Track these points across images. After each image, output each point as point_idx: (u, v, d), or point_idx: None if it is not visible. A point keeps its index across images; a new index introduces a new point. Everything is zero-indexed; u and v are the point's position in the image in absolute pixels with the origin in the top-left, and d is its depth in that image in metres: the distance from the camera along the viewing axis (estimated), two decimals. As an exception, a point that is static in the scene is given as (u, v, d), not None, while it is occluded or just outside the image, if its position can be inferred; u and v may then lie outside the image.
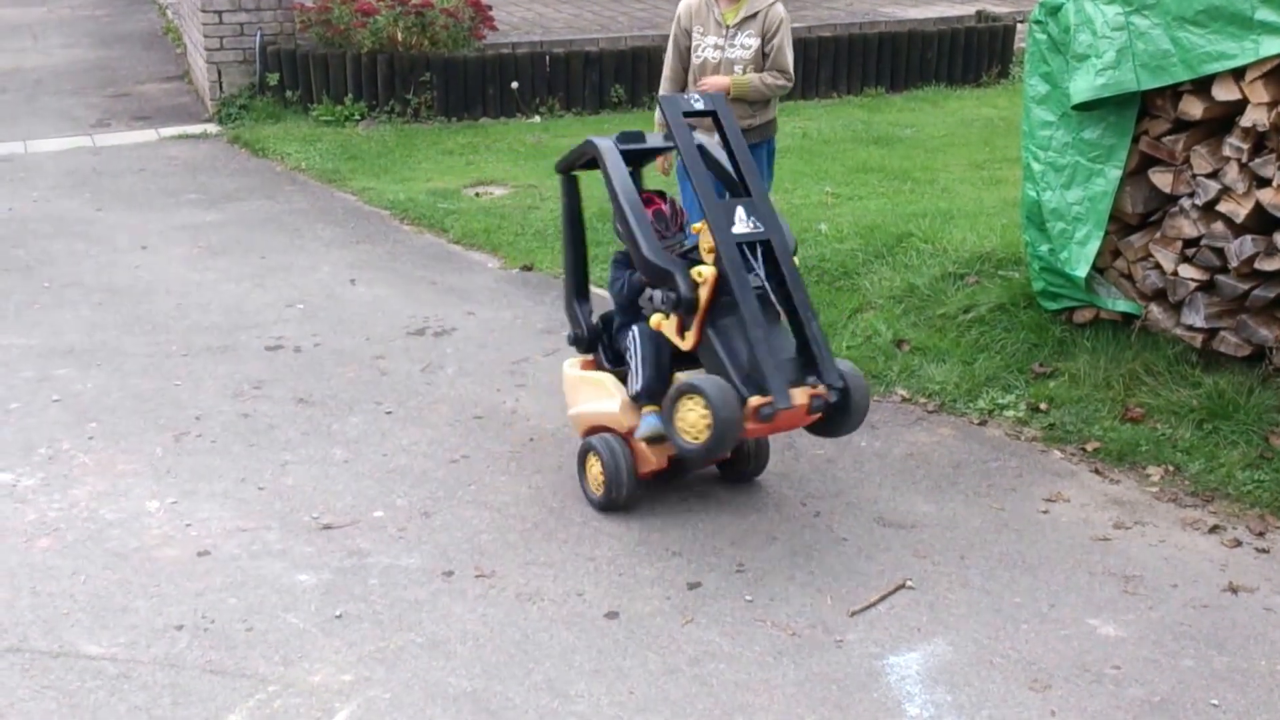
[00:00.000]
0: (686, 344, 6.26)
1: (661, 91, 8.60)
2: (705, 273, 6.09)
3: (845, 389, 6.11)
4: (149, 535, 6.35)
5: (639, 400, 6.51)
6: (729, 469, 6.93)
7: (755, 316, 5.99)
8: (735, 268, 6.04)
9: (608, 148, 6.47)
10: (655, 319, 6.35)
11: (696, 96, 6.66)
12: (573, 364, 7.06)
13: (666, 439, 6.24)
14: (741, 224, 6.15)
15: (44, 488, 6.78)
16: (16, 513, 6.54)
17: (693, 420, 5.91)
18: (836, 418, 6.21)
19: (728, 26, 8.32)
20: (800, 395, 5.99)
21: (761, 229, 6.18)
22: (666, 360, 6.48)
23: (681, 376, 6.45)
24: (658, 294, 6.28)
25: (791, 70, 8.48)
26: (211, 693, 5.21)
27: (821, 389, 6.04)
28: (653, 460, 6.56)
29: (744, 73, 8.32)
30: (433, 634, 5.61)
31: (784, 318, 6.24)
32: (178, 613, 5.72)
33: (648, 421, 6.46)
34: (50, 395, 7.82)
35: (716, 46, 8.32)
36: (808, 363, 6.15)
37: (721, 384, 5.91)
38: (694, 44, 8.41)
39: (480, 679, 5.32)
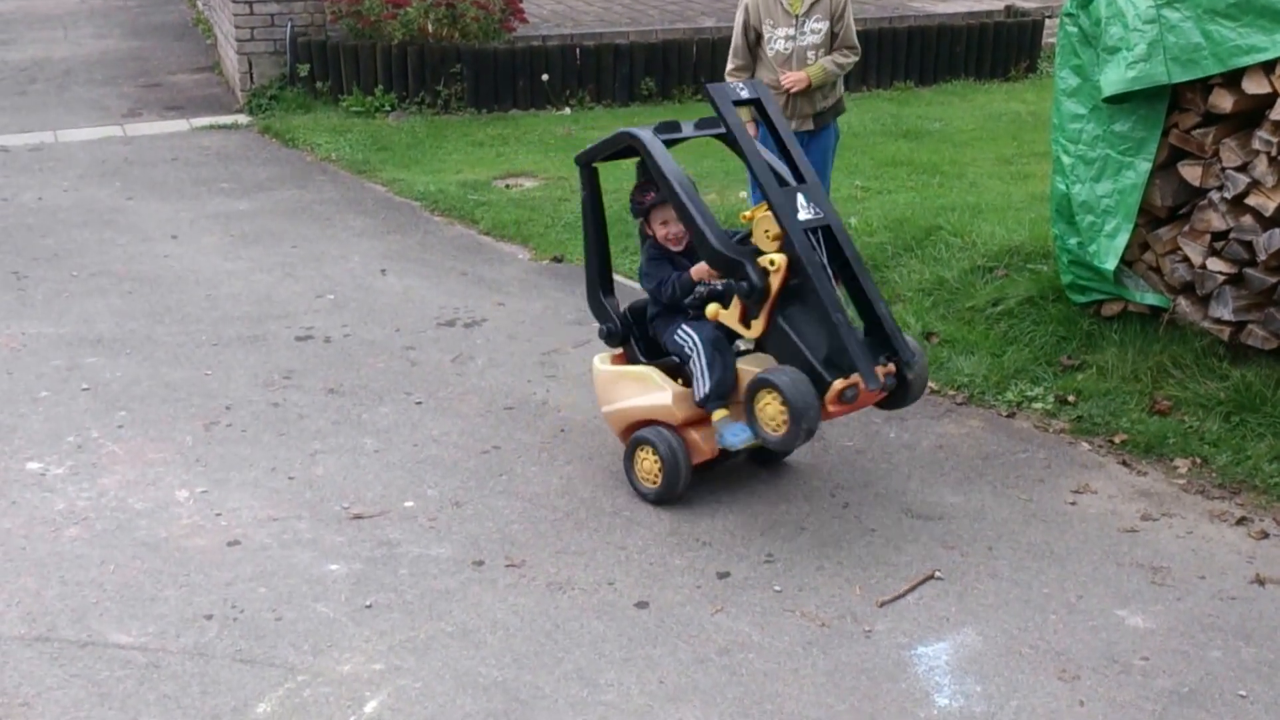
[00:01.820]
0: (754, 333, 6.27)
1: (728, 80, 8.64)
2: (778, 260, 6.08)
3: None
4: (178, 525, 6.38)
5: (708, 404, 6.45)
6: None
7: (834, 301, 6.02)
8: (808, 254, 6.05)
9: (650, 139, 6.39)
10: (712, 309, 6.33)
11: (742, 85, 6.64)
12: (604, 359, 6.96)
13: (740, 437, 6.32)
14: (804, 210, 6.17)
15: (73, 477, 6.82)
16: (45, 502, 6.57)
17: (771, 414, 5.96)
18: (900, 391, 6.28)
19: (796, 16, 8.49)
20: (879, 374, 6.07)
21: (822, 215, 6.21)
22: (730, 359, 6.45)
23: (746, 368, 6.43)
24: (719, 284, 6.30)
25: (858, 44, 8.69)
26: (241, 682, 5.23)
27: (891, 366, 6.15)
28: (705, 450, 6.59)
29: (816, 57, 8.50)
30: (463, 623, 5.63)
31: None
32: (207, 602, 5.75)
33: (735, 430, 6.39)
34: (80, 384, 7.86)
35: (788, 37, 8.48)
36: (878, 341, 6.21)
37: (795, 375, 5.94)
38: (765, 37, 8.49)
39: (510, 668, 5.34)
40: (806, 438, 6.05)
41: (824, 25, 8.48)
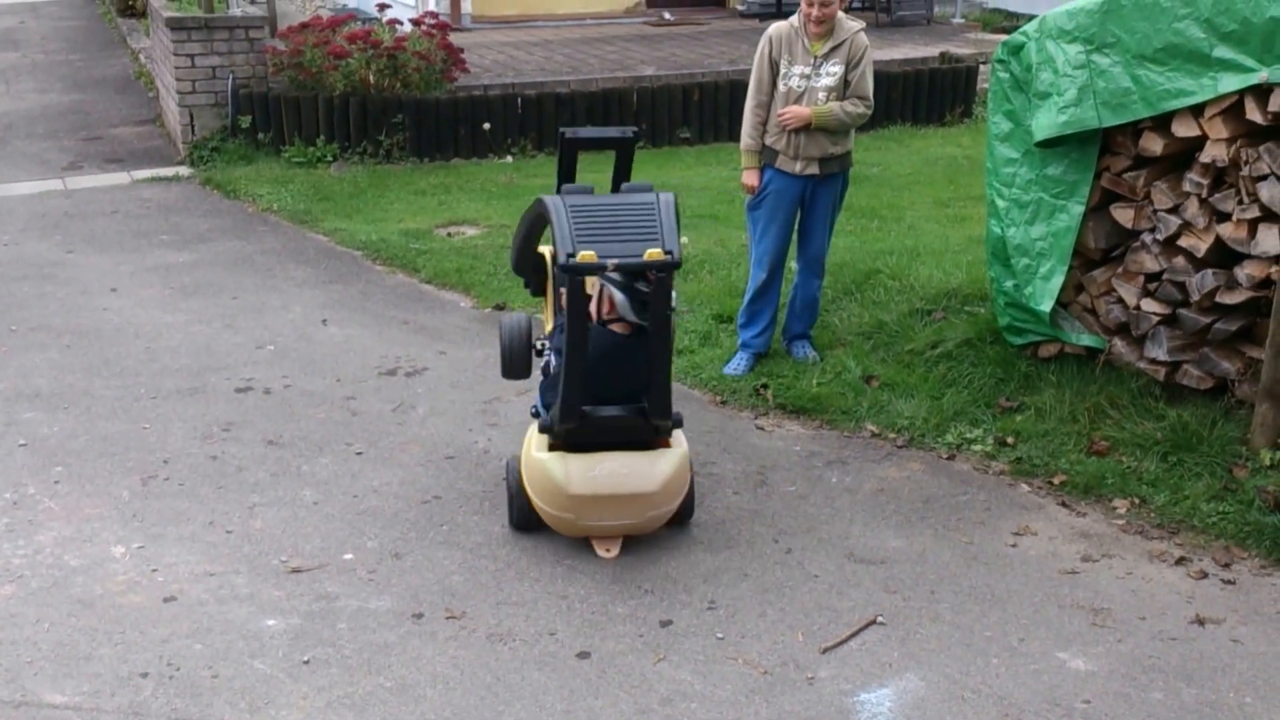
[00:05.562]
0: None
1: (746, 120, 8.56)
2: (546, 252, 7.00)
3: None
4: (114, 581, 6.33)
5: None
6: None
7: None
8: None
9: (554, 202, 6.32)
10: None
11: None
12: None
13: None
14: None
15: (8, 533, 6.75)
16: (-18, 559, 6.52)
17: None
18: None
19: (815, 56, 8.29)
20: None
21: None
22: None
23: None
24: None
25: (872, 98, 8.47)
26: (178, 738, 5.21)
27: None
28: None
29: (827, 99, 8.31)
30: (402, 678, 5.60)
31: None
32: (142, 660, 5.70)
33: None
34: (16, 439, 7.80)
35: (803, 76, 8.27)
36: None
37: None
38: (781, 73, 8.36)
39: (449, 721, 5.32)
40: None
41: (839, 70, 8.27)
